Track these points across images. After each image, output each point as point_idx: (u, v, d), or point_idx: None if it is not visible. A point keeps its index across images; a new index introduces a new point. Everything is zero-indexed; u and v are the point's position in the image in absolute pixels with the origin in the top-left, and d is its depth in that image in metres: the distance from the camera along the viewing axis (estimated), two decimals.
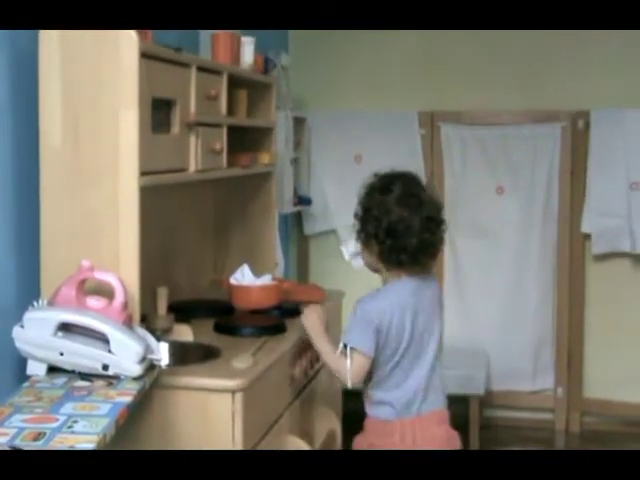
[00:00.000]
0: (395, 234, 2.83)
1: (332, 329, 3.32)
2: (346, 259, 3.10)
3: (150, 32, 2.79)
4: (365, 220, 2.89)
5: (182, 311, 3.16)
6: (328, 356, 2.91)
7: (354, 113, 5.51)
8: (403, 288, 2.89)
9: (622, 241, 5.19)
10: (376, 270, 2.95)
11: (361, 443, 2.96)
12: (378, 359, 2.85)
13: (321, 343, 2.95)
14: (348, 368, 2.81)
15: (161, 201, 3.35)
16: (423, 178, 5.12)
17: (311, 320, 3.00)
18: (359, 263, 3.00)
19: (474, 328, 5.42)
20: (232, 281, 3.34)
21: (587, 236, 5.29)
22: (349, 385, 2.83)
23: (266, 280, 3.34)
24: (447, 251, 5.45)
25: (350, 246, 3.04)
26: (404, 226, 2.83)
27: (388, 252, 2.85)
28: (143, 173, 2.59)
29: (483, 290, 5.41)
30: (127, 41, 2.54)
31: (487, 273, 5.41)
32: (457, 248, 5.43)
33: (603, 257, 5.31)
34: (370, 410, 2.93)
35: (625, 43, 5.23)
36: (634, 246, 5.14)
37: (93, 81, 2.57)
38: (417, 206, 2.86)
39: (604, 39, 5.26)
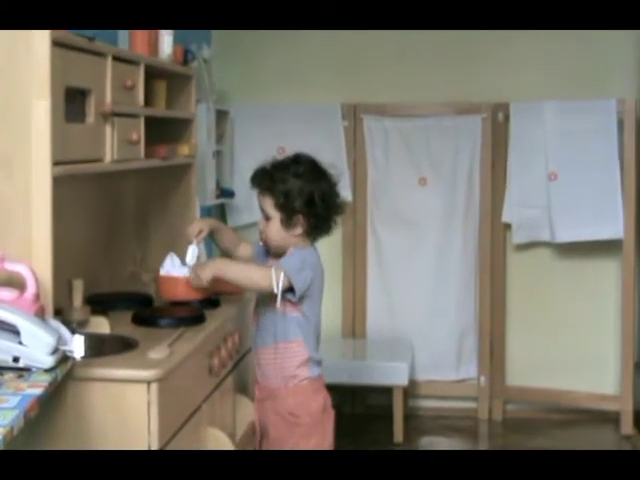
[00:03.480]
0: (328, 203, 3.09)
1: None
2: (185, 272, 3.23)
3: None
4: (288, 198, 3.05)
5: (100, 303, 3.11)
6: (250, 268, 3.12)
7: (277, 106, 5.49)
8: (318, 256, 3.16)
9: (542, 231, 5.24)
10: (283, 248, 3.12)
11: (295, 407, 3.12)
12: (317, 316, 3.15)
13: (237, 265, 3.15)
14: (274, 282, 2.99)
15: (80, 192, 3.29)
16: (346, 169, 5.23)
17: (213, 263, 3.15)
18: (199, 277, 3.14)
19: (398, 319, 5.44)
20: (161, 272, 3.28)
21: (508, 226, 5.35)
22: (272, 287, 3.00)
23: None
24: (370, 242, 5.47)
25: (189, 257, 3.23)
26: (330, 194, 3.11)
27: (322, 221, 3.10)
28: (56, 163, 2.54)
29: (406, 281, 5.43)
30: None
31: (410, 264, 5.43)
32: (380, 239, 5.45)
33: (523, 247, 5.37)
34: (309, 372, 3.14)
35: (542, 36, 5.28)
36: (553, 236, 5.19)
37: (4, 69, 2.52)
38: (327, 175, 3.13)
39: (523, 33, 5.30)
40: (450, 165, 5.39)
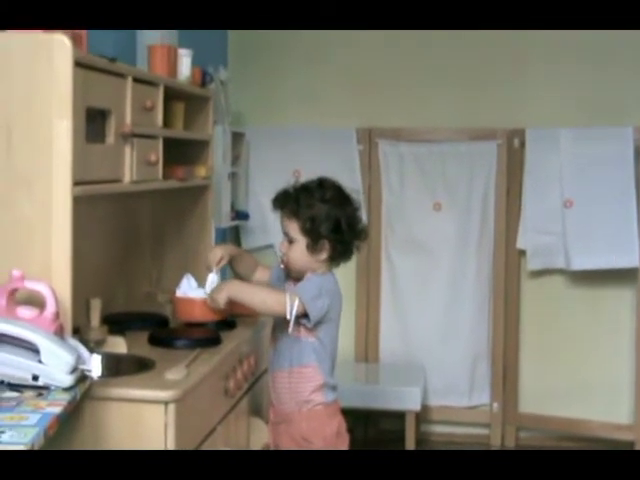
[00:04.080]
0: (353, 228, 3.10)
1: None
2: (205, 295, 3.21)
3: (85, 41, 2.76)
4: (315, 223, 3.05)
5: (116, 323, 3.13)
6: (264, 292, 3.10)
7: (292, 129, 5.51)
8: (336, 282, 3.16)
9: (556, 258, 5.24)
10: (304, 272, 3.11)
11: (309, 432, 3.11)
12: (334, 341, 3.14)
13: (252, 288, 3.16)
14: (288, 308, 2.99)
15: (97, 212, 3.33)
16: (361, 193, 5.23)
17: (228, 285, 3.16)
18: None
19: (411, 343, 5.44)
20: (178, 293, 3.29)
21: (522, 252, 5.34)
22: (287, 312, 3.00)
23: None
24: (384, 267, 5.48)
25: (208, 286, 3.22)
26: (355, 219, 3.12)
27: (347, 246, 3.10)
28: (76, 183, 2.57)
29: (420, 305, 5.44)
30: (61, 49, 2.51)
31: (424, 288, 5.44)
32: (394, 263, 5.46)
33: (538, 273, 5.37)
34: (324, 397, 3.12)
35: (559, 62, 5.31)
36: (568, 263, 5.19)
37: (26, 89, 2.54)
38: (352, 200, 3.14)
39: (539, 58, 5.34)
40: (465, 190, 5.40)
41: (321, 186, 3.12)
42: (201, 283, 3.27)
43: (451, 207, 5.42)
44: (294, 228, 3.09)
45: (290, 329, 3.02)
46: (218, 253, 3.28)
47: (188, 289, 3.26)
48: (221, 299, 3.10)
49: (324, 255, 3.09)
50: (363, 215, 5.05)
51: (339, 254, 3.12)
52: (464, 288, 5.39)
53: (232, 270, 3.42)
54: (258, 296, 3.08)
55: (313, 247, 3.07)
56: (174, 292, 3.33)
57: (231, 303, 3.13)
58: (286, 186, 3.16)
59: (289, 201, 3.10)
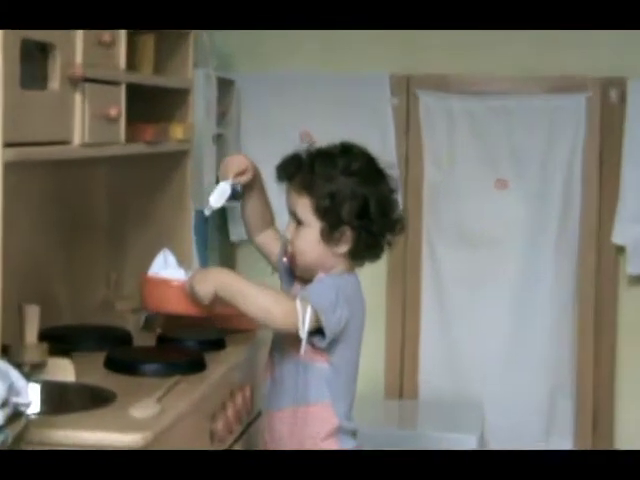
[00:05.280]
0: (386, 214, 3.07)
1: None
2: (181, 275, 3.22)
3: None
4: (335, 201, 3.01)
5: (61, 340, 3.15)
6: (265, 294, 3.02)
7: (301, 76, 5.52)
8: (359, 286, 3.16)
9: None
10: (314, 270, 3.08)
11: None
12: (352, 369, 3.14)
13: (248, 287, 3.05)
14: (300, 320, 2.93)
15: (35, 186, 3.34)
16: (395, 166, 5.20)
17: (216, 275, 3.13)
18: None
19: (463, 371, 5.45)
20: (150, 274, 3.26)
21: (620, 249, 5.34)
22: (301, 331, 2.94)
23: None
24: (426, 267, 5.49)
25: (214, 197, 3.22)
26: (389, 203, 3.11)
27: (376, 238, 3.07)
28: (7, 144, 2.56)
29: (475, 318, 5.43)
30: None
31: (481, 296, 5.44)
32: (440, 261, 5.46)
33: None
34: (340, 445, 3.10)
35: None
36: None
37: None
38: (386, 177, 3.13)
39: None
40: (539, 163, 5.40)
41: (345, 153, 3.09)
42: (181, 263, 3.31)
43: (520, 186, 5.42)
44: (305, 206, 3.05)
45: (302, 350, 2.98)
46: (243, 162, 3.23)
47: (163, 268, 3.24)
48: (205, 293, 3.05)
49: (344, 247, 3.05)
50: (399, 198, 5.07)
51: (365, 247, 3.08)
52: (537, 296, 5.39)
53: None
54: (255, 299, 3.01)
55: (330, 234, 3.03)
56: (136, 297, 3.34)
57: (218, 300, 3.08)
58: (297, 150, 3.12)
59: (301, 170, 3.07)
